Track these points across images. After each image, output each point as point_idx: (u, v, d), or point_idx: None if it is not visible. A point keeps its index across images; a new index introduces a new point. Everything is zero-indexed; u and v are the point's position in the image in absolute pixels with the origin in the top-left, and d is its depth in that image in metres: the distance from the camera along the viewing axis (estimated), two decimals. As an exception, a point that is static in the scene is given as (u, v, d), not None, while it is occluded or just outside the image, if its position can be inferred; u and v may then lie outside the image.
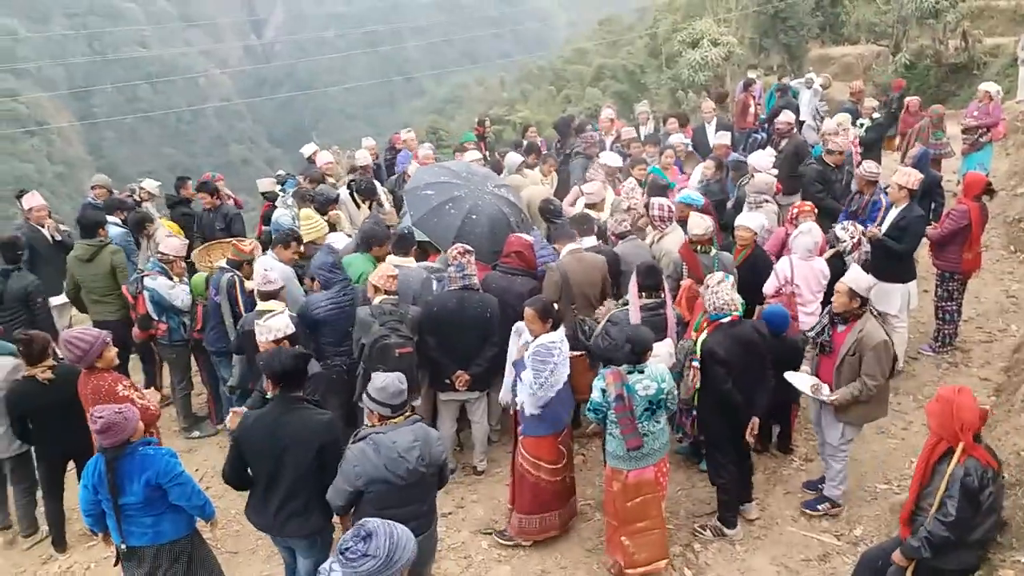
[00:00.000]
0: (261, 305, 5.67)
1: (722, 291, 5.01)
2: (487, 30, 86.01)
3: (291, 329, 5.03)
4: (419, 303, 5.94)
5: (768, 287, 6.35)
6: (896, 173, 6.97)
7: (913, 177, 6.78)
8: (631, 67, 28.90)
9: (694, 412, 5.39)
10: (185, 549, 4.33)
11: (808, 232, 6.26)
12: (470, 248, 5.87)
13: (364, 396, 4.00)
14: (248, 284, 6.32)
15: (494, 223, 6.64)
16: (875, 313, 5.25)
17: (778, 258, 6.63)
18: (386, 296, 5.57)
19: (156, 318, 6.71)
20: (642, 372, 4.63)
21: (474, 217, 6.60)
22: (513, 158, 9.22)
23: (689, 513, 5.69)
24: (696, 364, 5.06)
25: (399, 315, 5.50)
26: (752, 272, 6.37)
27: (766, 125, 11.00)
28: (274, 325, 4.96)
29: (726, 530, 5.38)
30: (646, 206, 7.26)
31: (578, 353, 5.64)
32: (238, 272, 6.42)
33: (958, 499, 3.72)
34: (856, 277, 5.18)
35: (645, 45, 28.05)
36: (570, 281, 6.01)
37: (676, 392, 4.85)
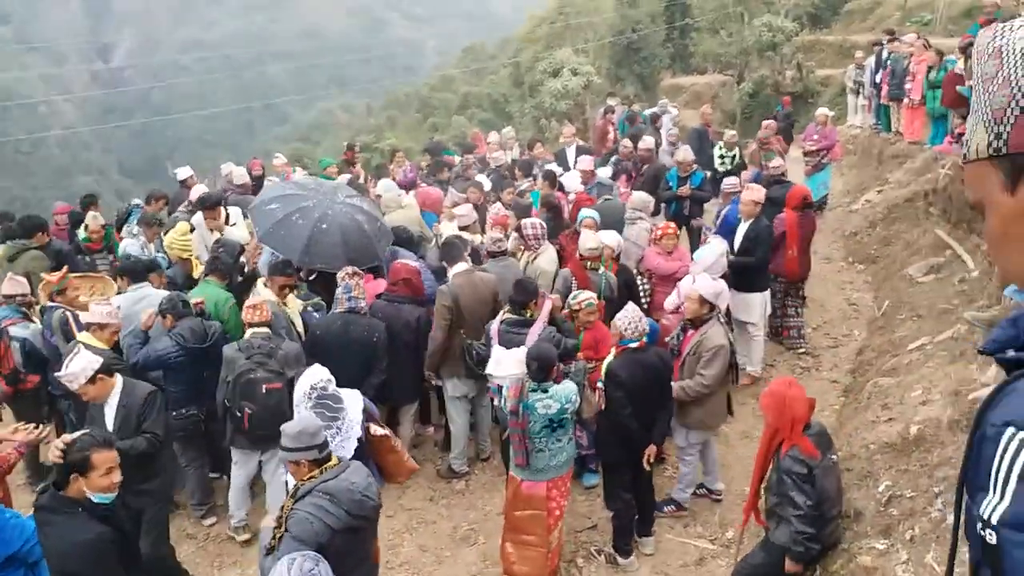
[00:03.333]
0: (80, 336, 5.25)
1: (634, 317, 5.03)
2: (354, 55, 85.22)
3: (95, 364, 4.47)
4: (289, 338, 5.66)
5: (668, 303, 6.49)
6: (745, 191, 7.47)
7: (760, 193, 7.33)
8: (495, 95, 29.43)
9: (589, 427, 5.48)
10: None
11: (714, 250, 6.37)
12: (359, 271, 5.70)
13: (281, 450, 3.50)
14: (82, 316, 5.57)
15: (347, 231, 6.35)
16: (722, 321, 5.52)
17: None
18: (256, 330, 5.26)
19: (24, 371, 5.88)
20: (546, 392, 4.58)
21: (324, 226, 6.30)
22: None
23: (570, 528, 5.73)
24: (600, 386, 5.09)
25: (268, 349, 5.17)
26: (624, 288, 6.53)
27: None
28: (72, 371, 4.40)
29: (620, 559, 5.35)
30: (517, 228, 7.32)
31: (382, 432, 4.84)
32: (67, 307, 5.95)
33: (798, 489, 3.98)
34: (705, 284, 5.44)
35: (509, 74, 28.69)
36: (461, 304, 5.89)
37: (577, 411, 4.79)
